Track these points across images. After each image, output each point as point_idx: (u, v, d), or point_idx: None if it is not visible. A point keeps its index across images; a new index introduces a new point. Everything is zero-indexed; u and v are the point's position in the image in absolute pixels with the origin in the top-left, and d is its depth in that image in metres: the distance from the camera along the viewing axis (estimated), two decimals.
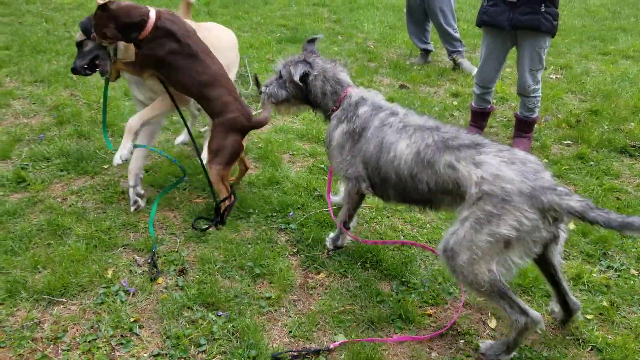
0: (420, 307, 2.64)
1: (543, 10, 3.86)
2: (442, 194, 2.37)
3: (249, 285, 2.72)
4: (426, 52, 6.55)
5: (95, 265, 2.78)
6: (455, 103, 5.27)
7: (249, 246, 3.00)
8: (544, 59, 4.03)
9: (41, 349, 2.31)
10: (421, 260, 2.99)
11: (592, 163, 4.09)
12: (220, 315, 2.51)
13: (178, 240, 3.06)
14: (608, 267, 2.96)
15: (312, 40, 2.98)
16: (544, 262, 2.38)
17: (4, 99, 4.78)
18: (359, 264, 2.91)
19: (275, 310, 2.59)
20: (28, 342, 2.33)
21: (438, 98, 5.43)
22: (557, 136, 4.58)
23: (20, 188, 3.49)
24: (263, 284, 2.75)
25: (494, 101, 5.12)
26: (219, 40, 3.61)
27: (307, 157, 4.09)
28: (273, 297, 2.64)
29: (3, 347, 2.31)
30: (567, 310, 2.48)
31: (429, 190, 2.39)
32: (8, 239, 2.96)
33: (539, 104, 4.24)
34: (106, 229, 3.11)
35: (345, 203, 2.89)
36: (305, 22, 8.34)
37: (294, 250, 3.02)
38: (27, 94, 4.98)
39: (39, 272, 2.74)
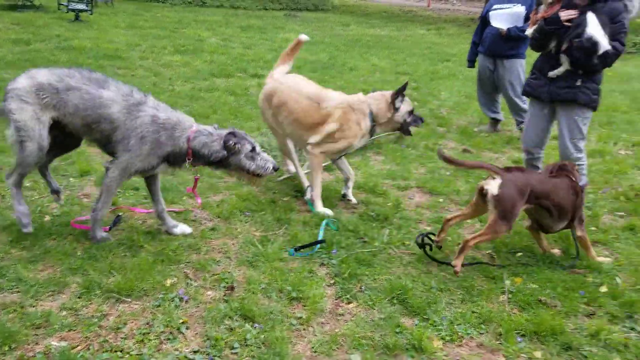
0: (435, 341, 2.85)
1: (579, 84, 4.18)
2: None
3: (284, 306, 3.07)
4: (495, 121, 6.80)
5: (159, 276, 3.25)
6: None
7: (292, 274, 3.36)
8: (583, 129, 4.29)
9: (103, 335, 2.76)
10: (447, 302, 3.20)
11: None
12: (255, 327, 2.86)
13: (232, 263, 3.49)
14: (631, 328, 3.03)
15: None
16: None
17: None
18: (387, 299, 3.18)
19: (304, 329, 2.91)
20: (95, 328, 2.80)
21: (499, 163, 5.63)
22: (612, 207, 4.63)
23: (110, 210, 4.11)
24: (297, 306, 3.09)
25: None
26: None
27: (361, 205, 4.45)
28: (304, 317, 2.97)
29: (75, 330, 2.79)
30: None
31: None
32: (93, 248, 3.52)
33: (585, 171, 4.38)
34: (174, 249, 3.60)
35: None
36: (385, 88, 8.80)
37: (331, 282, 3.35)
38: None
39: (113, 275, 3.24)
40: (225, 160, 3.48)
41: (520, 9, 6.11)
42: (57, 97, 3.38)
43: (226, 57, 10.50)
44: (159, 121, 3.42)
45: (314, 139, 4.28)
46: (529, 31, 4.43)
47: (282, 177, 4.89)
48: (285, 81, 4.55)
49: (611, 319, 3.11)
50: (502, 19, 6.17)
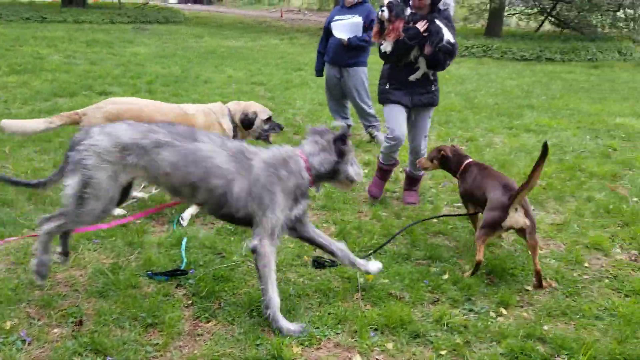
0: (294, 347, 2.91)
1: (433, 89, 4.75)
2: None
3: (139, 334, 2.95)
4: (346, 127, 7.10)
5: None
6: (365, 171, 5.73)
7: (146, 299, 3.24)
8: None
9: None
10: (306, 307, 3.28)
11: None
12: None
13: (80, 296, 3.28)
14: (470, 310, 3.33)
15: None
16: None
17: None
18: (247, 313, 3.19)
19: (161, 355, 2.82)
20: None
21: None
22: (451, 199, 5.06)
23: None
24: (153, 332, 2.99)
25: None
26: None
27: (218, 220, 4.41)
28: (160, 343, 2.88)
29: None
30: None
31: None
32: None
33: None
34: (13, 287, 3.30)
35: None
36: (242, 98, 8.83)
37: (189, 303, 3.28)
38: None
39: None
40: (336, 166, 3.18)
41: (359, 20, 6.45)
42: (147, 157, 2.98)
43: (70, 75, 9.87)
44: (270, 162, 3.06)
45: None
46: (387, 47, 4.57)
47: (129, 202, 4.69)
48: (130, 101, 4.53)
49: (452, 304, 3.40)
50: (343, 29, 6.48)
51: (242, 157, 3.05)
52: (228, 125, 4.53)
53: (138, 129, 3.05)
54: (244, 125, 4.57)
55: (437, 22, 4.45)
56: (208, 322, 3.12)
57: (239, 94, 9.22)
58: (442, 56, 4.50)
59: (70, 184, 3.00)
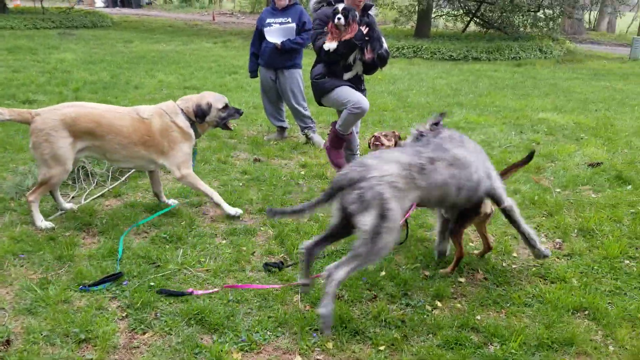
0: (234, 353, 2.89)
1: (362, 88, 4.99)
2: None
3: (72, 350, 2.84)
4: (282, 129, 7.11)
5: None
6: (302, 172, 5.77)
7: (78, 314, 3.13)
8: None
9: None
10: (245, 313, 3.26)
11: (410, 219, 4.66)
12: None
13: (7, 314, 3.13)
14: (407, 304, 3.41)
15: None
16: None
17: None
18: (184, 322, 3.13)
19: None
20: None
21: (288, 169, 5.92)
22: None
23: None
24: (87, 347, 2.89)
25: None
26: None
27: (153, 228, 4.31)
28: (94, 358, 2.79)
29: None
30: None
31: None
32: None
33: None
34: None
35: None
36: None
37: (123, 315, 3.19)
38: None
39: None
40: None
41: (292, 25, 6.48)
42: (428, 176, 3.14)
43: None
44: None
45: (172, 163, 4.45)
46: (332, 46, 4.67)
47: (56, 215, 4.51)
48: (84, 104, 4.37)
49: (390, 299, 3.47)
50: (276, 33, 6.48)
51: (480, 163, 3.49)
52: (184, 123, 4.42)
53: (409, 151, 3.22)
54: (198, 116, 4.46)
55: (377, 28, 4.70)
56: (144, 333, 3.04)
57: (171, 99, 9.01)
58: (378, 62, 4.77)
59: (366, 221, 2.91)
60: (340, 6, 4.60)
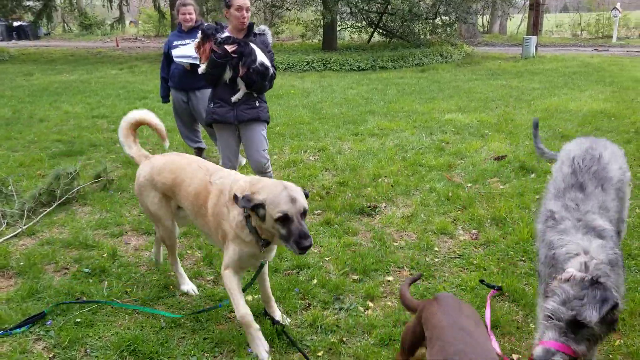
0: None
1: (258, 105, 4.86)
2: None
3: None
4: (200, 150, 7.04)
5: None
6: None
7: None
8: (266, 141, 4.99)
9: None
10: (179, 338, 3.21)
11: (335, 225, 4.78)
12: None
13: None
14: (340, 309, 3.49)
15: None
16: None
17: None
18: (117, 355, 3.04)
19: None
20: None
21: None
22: (310, 208, 5.24)
23: None
24: None
25: None
26: None
27: (72, 264, 4.15)
28: None
29: None
30: None
31: None
32: None
33: (272, 176, 5.04)
34: None
35: None
36: (83, 134, 8.45)
37: (50, 356, 3.05)
38: None
39: None
40: None
41: None
42: None
43: None
44: None
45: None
46: (202, 68, 4.76)
47: None
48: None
49: (324, 306, 3.54)
50: (184, 54, 6.43)
51: None
52: None
53: None
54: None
55: (252, 45, 4.66)
56: None
57: (80, 130, 8.73)
58: (255, 77, 4.65)
59: None
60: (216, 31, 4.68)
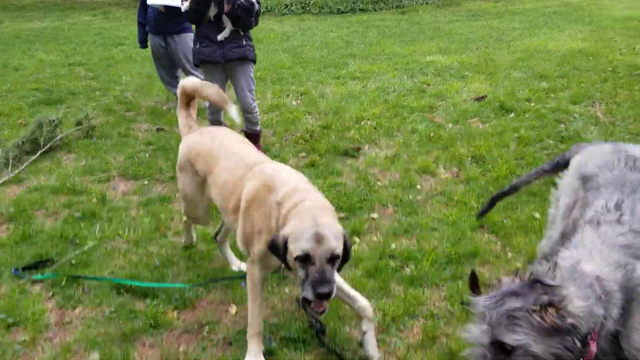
0: (169, 312, 2.98)
1: (245, 43, 4.85)
2: None
3: (2, 335, 2.81)
4: None
5: None
6: None
7: (2, 301, 3.06)
8: (253, 80, 5.02)
9: None
10: (174, 275, 3.34)
11: (321, 167, 4.87)
12: None
13: None
14: None
15: None
16: None
17: None
18: (114, 292, 3.16)
19: (31, 351, 2.73)
20: None
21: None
22: (295, 150, 5.33)
23: None
24: (18, 330, 2.87)
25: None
26: None
27: (62, 209, 4.21)
28: (27, 339, 2.78)
29: None
30: None
31: None
32: None
33: (259, 118, 5.11)
34: None
35: None
36: (61, 82, 8.29)
37: (49, 295, 3.16)
38: None
39: None
40: None
41: None
42: None
43: None
44: None
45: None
46: (185, 5, 4.71)
47: None
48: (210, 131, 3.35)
49: None
50: None
51: None
52: None
53: None
54: None
55: None
56: (74, 309, 3.06)
57: (57, 78, 8.57)
58: (240, 12, 4.61)
59: None
60: None
